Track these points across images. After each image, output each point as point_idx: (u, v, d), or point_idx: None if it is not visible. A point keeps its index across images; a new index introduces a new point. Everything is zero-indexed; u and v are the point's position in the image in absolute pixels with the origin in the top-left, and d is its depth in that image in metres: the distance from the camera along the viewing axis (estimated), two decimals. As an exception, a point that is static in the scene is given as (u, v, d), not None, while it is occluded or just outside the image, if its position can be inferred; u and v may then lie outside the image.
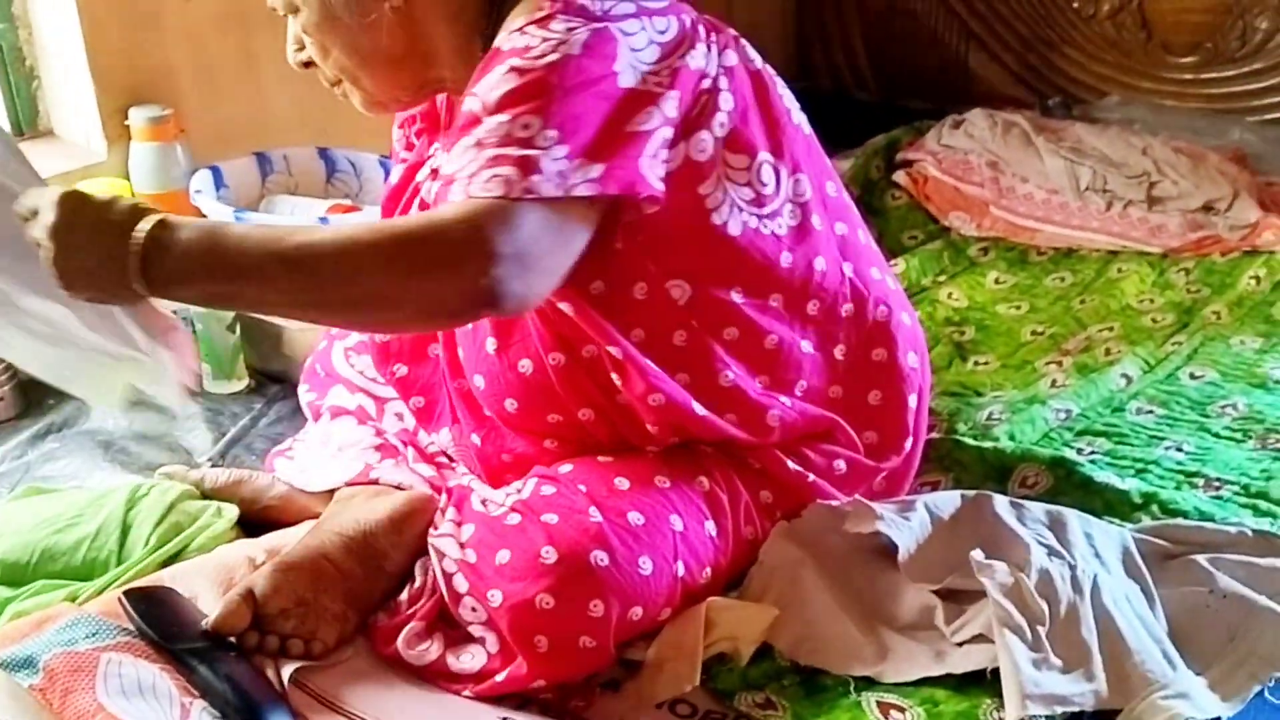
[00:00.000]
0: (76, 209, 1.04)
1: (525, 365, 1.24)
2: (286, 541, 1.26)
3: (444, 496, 1.29)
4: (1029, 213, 2.15)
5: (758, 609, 1.21)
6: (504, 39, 1.14)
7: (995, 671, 1.12)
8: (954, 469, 1.47)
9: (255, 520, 1.38)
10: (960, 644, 1.18)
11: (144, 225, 1.03)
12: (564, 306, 1.19)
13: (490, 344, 1.25)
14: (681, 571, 1.18)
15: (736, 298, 1.22)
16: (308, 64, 1.28)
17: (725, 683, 1.17)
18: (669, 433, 1.24)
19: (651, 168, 1.11)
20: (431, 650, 1.17)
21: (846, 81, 2.86)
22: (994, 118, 2.32)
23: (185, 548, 1.30)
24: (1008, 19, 2.63)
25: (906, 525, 1.25)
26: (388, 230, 1.08)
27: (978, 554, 1.19)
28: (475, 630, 1.16)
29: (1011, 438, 1.50)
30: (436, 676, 1.16)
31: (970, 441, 1.48)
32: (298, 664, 1.12)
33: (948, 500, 1.32)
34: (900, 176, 2.27)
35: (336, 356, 1.50)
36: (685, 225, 1.19)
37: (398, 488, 1.32)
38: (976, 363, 1.77)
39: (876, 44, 2.80)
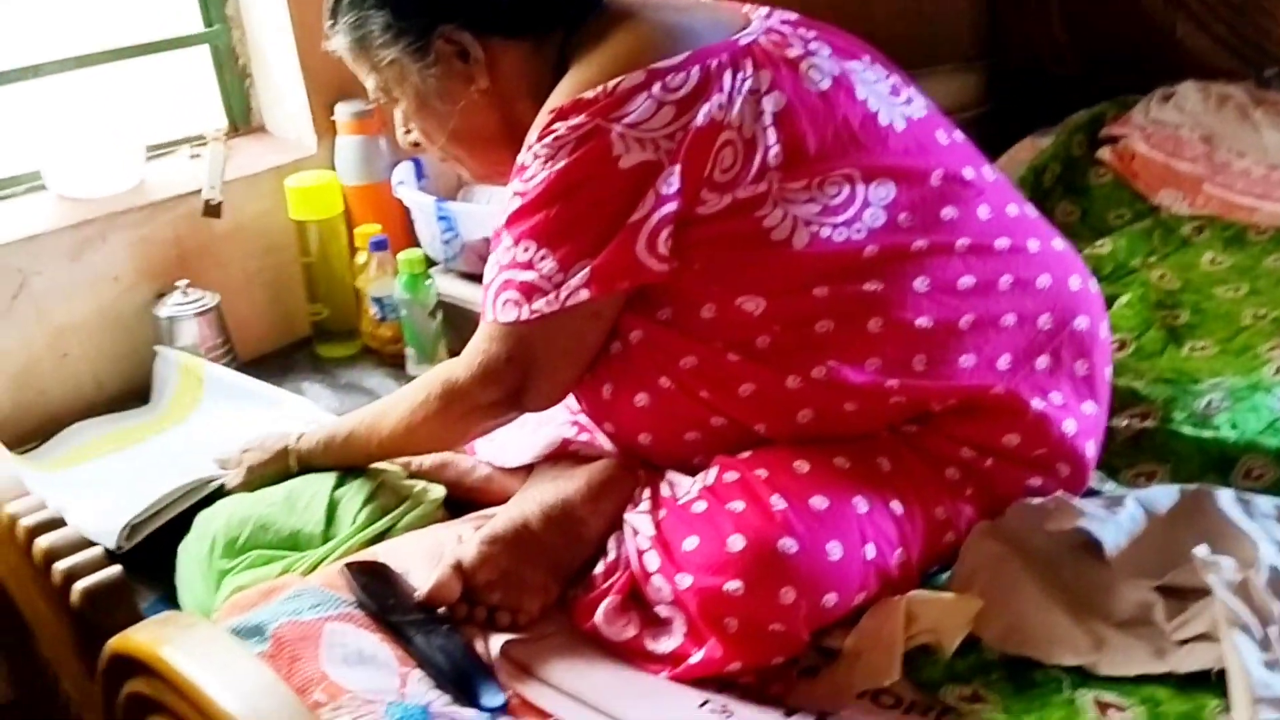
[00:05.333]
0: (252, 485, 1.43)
1: (641, 398, 1.26)
2: (492, 519, 1.29)
3: (640, 473, 1.31)
4: (1247, 189, 2.02)
5: (961, 600, 1.17)
6: (523, 149, 1.23)
7: (1221, 673, 1.07)
8: (1170, 459, 1.40)
9: (461, 500, 1.42)
10: (1182, 642, 1.12)
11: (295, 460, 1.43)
12: (634, 336, 1.23)
13: (606, 390, 1.28)
14: (872, 554, 1.16)
15: (821, 293, 1.20)
16: (416, 144, 1.41)
17: (930, 674, 1.14)
18: (782, 427, 1.23)
19: (650, 250, 1.18)
20: (629, 629, 1.18)
21: (1043, 56, 2.74)
22: (1207, 90, 2.20)
23: (394, 526, 1.35)
24: (1218, -15, 2.49)
25: (1113, 521, 1.20)
26: (424, 408, 1.31)
27: (1202, 549, 1.13)
28: (663, 610, 1.17)
29: (1234, 427, 1.41)
30: (634, 655, 1.18)
31: (1188, 431, 1.41)
32: (506, 636, 1.15)
33: (1164, 494, 1.26)
34: (1105, 153, 2.16)
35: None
36: (744, 248, 1.20)
37: (595, 459, 1.34)
38: (1193, 348, 1.67)
39: (1075, 16, 2.68)
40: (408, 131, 1.40)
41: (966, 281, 1.24)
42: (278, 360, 1.91)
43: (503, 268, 1.23)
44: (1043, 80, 2.67)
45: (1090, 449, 1.29)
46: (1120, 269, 1.90)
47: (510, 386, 1.26)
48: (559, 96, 1.22)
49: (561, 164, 1.19)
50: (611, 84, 1.19)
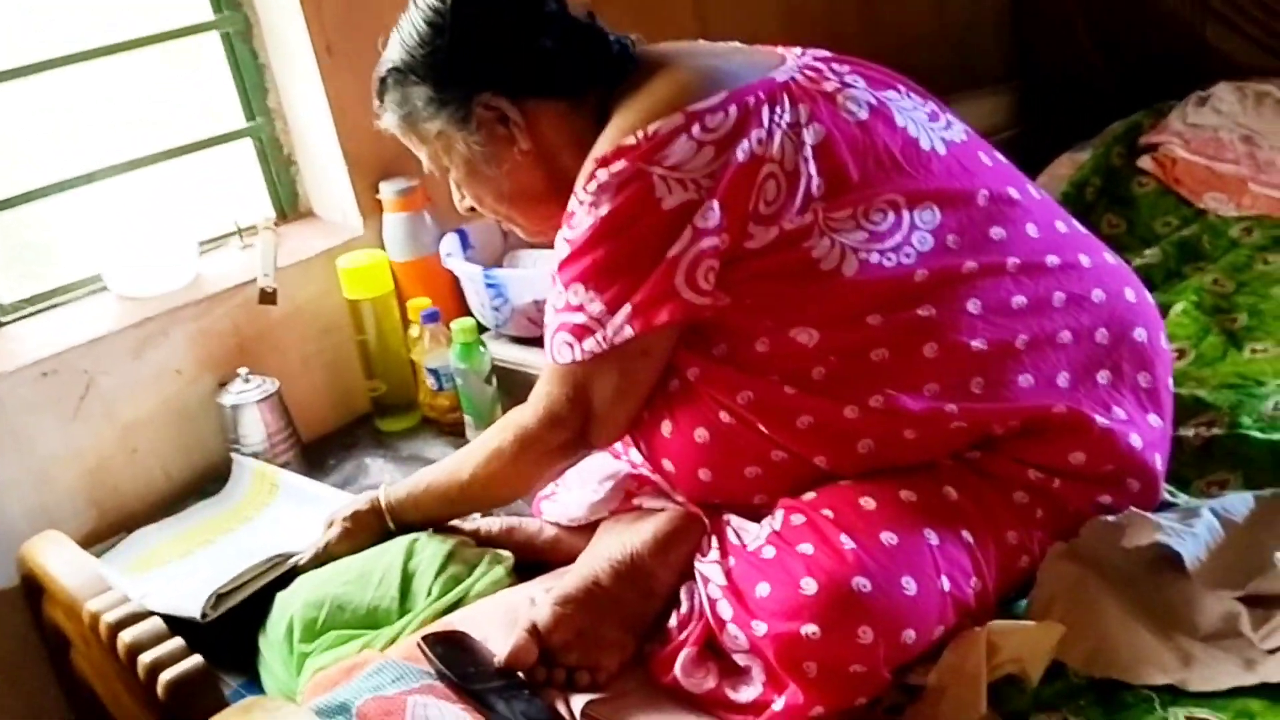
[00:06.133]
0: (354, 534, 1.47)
1: (701, 434, 1.27)
2: (563, 579, 1.29)
3: (706, 522, 1.31)
4: (1293, 186, 2.01)
5: (1043, 627, 1.16)
6: (570, 199, 1.26)
7: (1316, 680, 1.05)
8: (1242, 466, 1.38)
9: (529, 563, 1.43)
10: (1271, 651, 1.10)
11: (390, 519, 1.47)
12: (691, 373, 1.25)
13: (666, 427, 1.30)
14: (947, 586, 1.15)
15: (875, 321, 1.21)
16: (472, 209, 1.45)
17: (1017, 704, 1.13)
18: (842, 460, 1.23)
19: (689, 283, 1.20)
20: (708, 680, 1.18)
21: (1074, 72, 2.73)
22: (1243, 89, 2.19)
23: (466, 594, 1.36)
24: (1247, -15, 2.47)
25: (1191, 534, 1.18)
26: (499, 456, 1.35)
27: (1284, 555, 1.11)
28: (740, 659, 1.17)
29: (1305, 427, 1.40)
30: (716, 707, 1.17)
31: (1257, 435, 1.39)
32: (587, 696, 1.15)
33: (1239, 502, 1.25)
34: (1146, 162, 2.16)
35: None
36: (794, 281, 1.21)
37: (659, 511, 1.34)
38: (1254, 350, 1.65)
39: (1102, 28, 2.67)
40: (463, 198, 1.45)
41: (1019, 301, 1.24)
42: (340, 438, 1.94)
43: (557, 311, 1.26)
44: (1075, 95, 2.67)
45: (1158, 461, 1.27)
46: (1172, 277, 1.88)
47: (575, 427, 1.29)
48: (601, 145, 1.25)
49: (605, 209, 1.21)
50: (651, 128, 1.21)
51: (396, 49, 1.34)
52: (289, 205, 2.06)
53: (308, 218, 2.07)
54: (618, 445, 1.48)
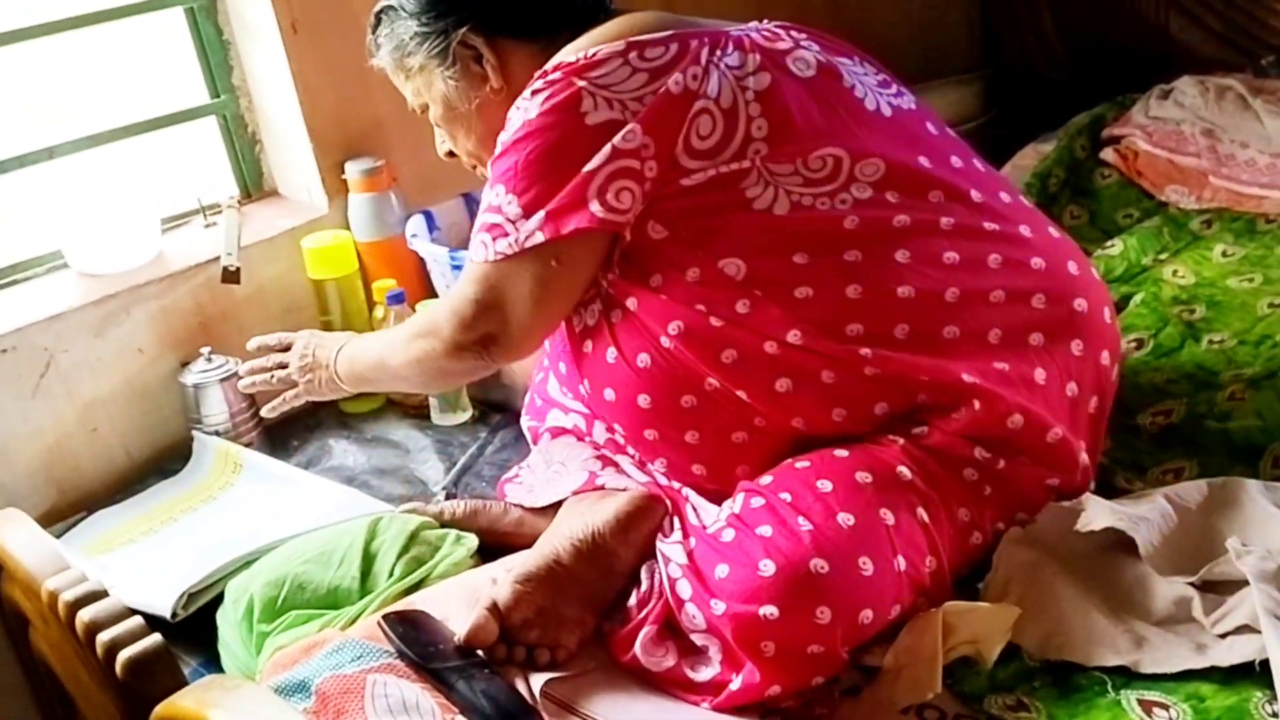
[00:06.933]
0: (308, 354, 1.58)
1: (643, 359, 1.30)
2: (524, 558, 1.29)
3: (668, 503, 1.32)
4: (1253, 179, 2.03)
5: (998, 609, 1.18)
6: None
7: (1265, 663, 1.06)
8: (1197, 454, 1.40)
9: (493, 546, 1.42)
10: (1223, 636, 1.12)
11: (335, 368, 1.55)
12: (631, 303, 1.29)
13: (610, 354, 1.33)
14: (903, 565, 1.16)
15: (801, 260, 1.24)
16: (451, 153, 1.53)
17: (972, 686, 1.14)
18: (763, 396, 1.25)
19: (600, 199, 1.24)
20: (667, 659, 1.19)
21: (1038, 63, 2.76)
22: (1205, 83, 2.21)
23: (428, 576, 1.35)
24: (1208, -22, 2.50)
25: (1145, 519, 1.20)
26: (409, 341, 1.42)
27: (1235, 541, 1.13)
28: (697, 639, 1.18)
29: (1259, 417, 1.42)
30: (674, 685, 1.18)
31: (1213, 424, 1.41)
32: (547, 675, 1.15)
33: (1193, 489, 1.27)
34: (1108, 154, 2.17)
35: (551, 385, 1.55)
36: (725, 216, 1.26)
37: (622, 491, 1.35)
38: (1211, 341, 1.67)
39: (1067, 21, 2.70)
40: (442, 140, 1.51)
41: (951, 257, 1.27)
42: (303, 419, 1.92)
43: (482, 213, 1.32)
44: (1041, 86, 2.69)
45: (1063, 431, 1.26)
46: (1133, 268, 1.90)
47: (481, 330, 1.33)
48: (548, 64, 1.30)
49: (534, 114, 1.27)
50: (591, 50, 1.28)
51: None
52: (253, 183, 2.05)
53: (272, 196, 2.05)
54: (581, 425, 1.49)
